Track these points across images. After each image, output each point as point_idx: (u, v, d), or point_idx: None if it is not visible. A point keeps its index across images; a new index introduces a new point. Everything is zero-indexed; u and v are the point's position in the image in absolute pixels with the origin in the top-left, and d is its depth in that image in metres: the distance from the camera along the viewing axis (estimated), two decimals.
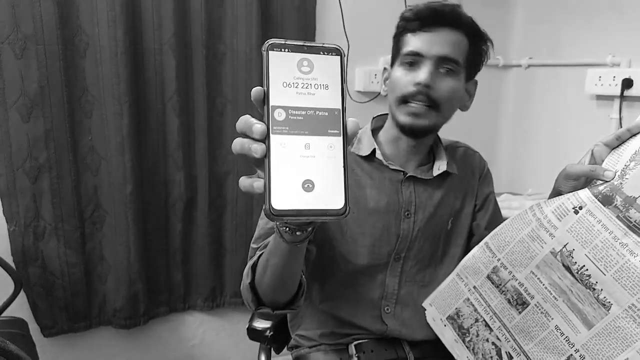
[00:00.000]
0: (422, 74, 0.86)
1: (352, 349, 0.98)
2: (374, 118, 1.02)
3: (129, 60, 1.49)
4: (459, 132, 1.21)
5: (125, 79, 1.48)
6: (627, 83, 1.61)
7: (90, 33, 1.47)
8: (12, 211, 1.48)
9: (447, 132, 1.04)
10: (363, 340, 0.98)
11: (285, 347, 1.12)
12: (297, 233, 0.59)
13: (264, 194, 0.43)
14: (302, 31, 1.73)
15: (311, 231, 0.60)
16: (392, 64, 0.95)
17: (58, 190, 1.50)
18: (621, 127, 1.67)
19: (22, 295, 1.47)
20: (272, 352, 1.12)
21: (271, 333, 1.06)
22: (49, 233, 1.52)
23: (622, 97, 1.64)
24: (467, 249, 1.02)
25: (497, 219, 1.04)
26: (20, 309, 1.50)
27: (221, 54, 1.64)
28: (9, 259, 1.47)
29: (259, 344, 1.11)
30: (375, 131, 1.00)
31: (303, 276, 0.77)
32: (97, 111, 1.52)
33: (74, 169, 1.51)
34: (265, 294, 0.75)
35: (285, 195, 0.43)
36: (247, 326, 1.09)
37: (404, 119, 0.89)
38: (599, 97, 1.76)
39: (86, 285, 1.60)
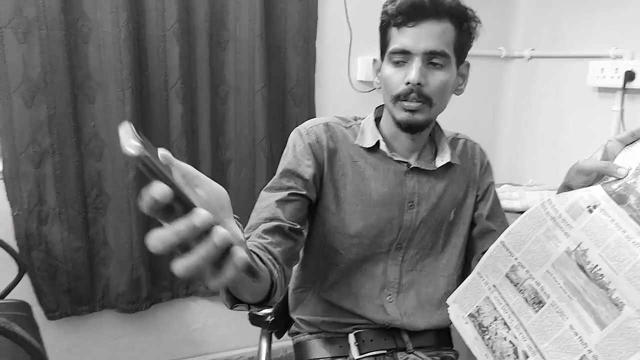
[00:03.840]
0: (412, 73, 0.85)
1: (351, 338, 1.00)
2: (376, 108, 1.02)
3: (132, 46, 1.49)
4: (460, 122, 1.21)
5: (128, 65, 1.48)
6: (630, 75, 1.61)
7: (93, 18, 1.47)
8: (15, 195, 1.49)
9: (449, 122, 1.04)
10: (363, 330, 1.00)
11: (287, 333, 1.14)
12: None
13: None
14: (304, 19, 1.72)
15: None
16: (381, 57, 0.95)
17: (61, 176, 1.51)
18: (622, 119, 1.68)
19: (25, 278, 1.48)
20: (273, 337, 1.14)
21: (272, 318, 1.07)
22: (52, 218, 1.53)
23: (624, 89, 1.64)
24: (469, 239, 1.03)
25: (496, 208, 1.05)
26: (24, 292, 1.52)
27: (224, 42, 1.64)
28: (13, 243, 1.49)
29: (260, 329, 1.12)
30: (377, 121, 1.00)
31: (275, 275, 0.74)
32: (100, 97, 1.53)
33: (77, 155, 1.52)
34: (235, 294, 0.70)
35: None
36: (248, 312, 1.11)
37: (400, 116, 0.89)
38: (601, 90, 1.76)
39: (89, 270, 1.62)
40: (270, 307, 0.76)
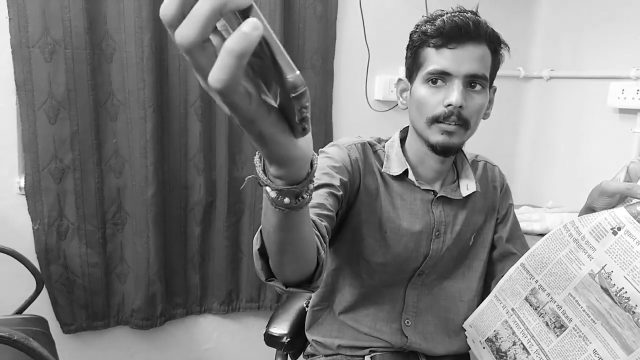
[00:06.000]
0: (454, 95, 0.83)
1: None
2: (400, 131, 1.00)
3: (155, 65, 1.52)
4: (479, 143, 1.20)
5: (151, 84, 1.51)
6: None
7: (117, 39, 1.51)
8: (36, 210, 1.51)
9: (468, 143, 1.03)
10: (379, 352, 0.98)
11: (302, 355, 1.12)
12: (286, 200, 0.51)
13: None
14: (323, 39, 1.74)
15: (303, 201, 0.51)
16: (408, 77, 0.93)
17: (82, 191, 1.54)
18: None
19: (43, 292, 1.50)
20: (288, 358, 1.13)
21: (288, 339, 1.06)
22: (71, 232, 1.55)
23: None
24: (488, 262, 1.02)
25: (516, 230, 1.03)
26: (42, 306, 1.53)
27: None
28: (33, 257, 1.51)
29: (274, 349, 1.11)
30: (401, 142, 0.98)
31: (322, 254, 0.68)
32: (122, 115, 1.55)
33: (97, 171, 1.54)
34: (272, 265, 0.63)
35: None
36: (264, 332, 1.10)
37: (436, 138, 0.87)
38: (622, 111, 1.74)
39: (106, 285, 1.63)
40: (311, 290, 0.67)
